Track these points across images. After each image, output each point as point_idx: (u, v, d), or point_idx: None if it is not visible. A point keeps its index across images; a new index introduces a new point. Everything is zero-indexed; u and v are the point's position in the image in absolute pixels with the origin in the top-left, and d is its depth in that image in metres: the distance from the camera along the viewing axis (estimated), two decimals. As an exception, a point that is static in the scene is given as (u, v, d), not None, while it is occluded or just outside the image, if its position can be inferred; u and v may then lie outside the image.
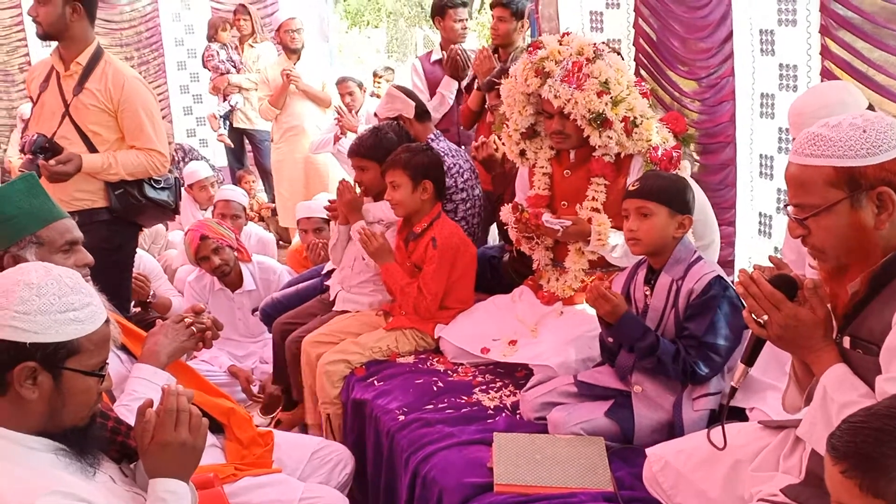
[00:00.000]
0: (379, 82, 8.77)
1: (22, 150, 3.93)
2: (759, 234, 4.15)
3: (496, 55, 4.94)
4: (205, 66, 8.39)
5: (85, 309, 1.80)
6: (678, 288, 2.77)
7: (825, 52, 3.61)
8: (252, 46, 8.20)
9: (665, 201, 2.76)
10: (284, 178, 7.11)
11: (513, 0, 4.94)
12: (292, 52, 6.97)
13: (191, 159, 7.97)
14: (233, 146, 8.37)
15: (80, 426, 1.85)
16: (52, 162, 3.81)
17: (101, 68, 4.01)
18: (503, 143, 3.81)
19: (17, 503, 1.65)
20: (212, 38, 8.32)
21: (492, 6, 5.12)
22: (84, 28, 3.99)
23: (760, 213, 4.13)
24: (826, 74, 3.60)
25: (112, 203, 4.04)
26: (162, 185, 4.17)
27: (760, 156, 4.07)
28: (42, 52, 8.75)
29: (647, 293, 2.85)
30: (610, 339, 2.88)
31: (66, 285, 1.79)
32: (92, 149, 3.98)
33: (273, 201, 7.77)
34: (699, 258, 2.81)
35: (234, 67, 8.19)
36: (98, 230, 3.87)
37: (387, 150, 3.94)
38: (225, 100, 8.15)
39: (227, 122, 8.24)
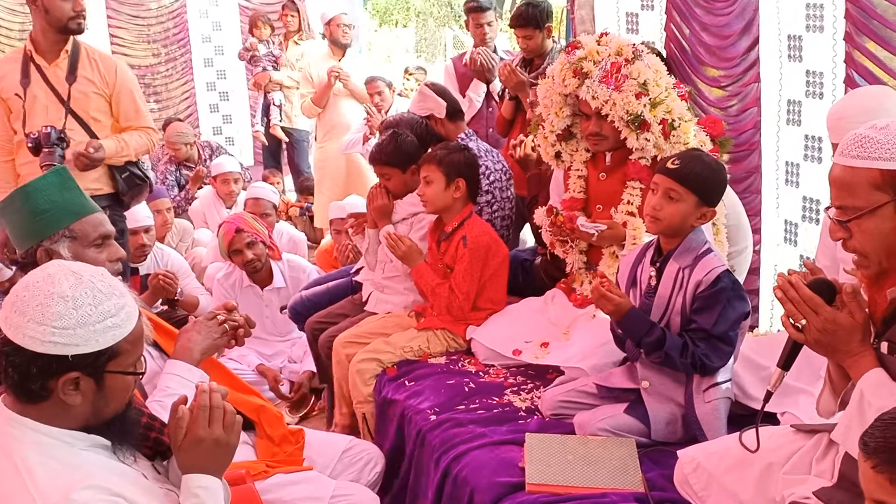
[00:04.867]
0: (408, 79, 8.73)
1: (35, 147, 3.90)
2: (784, 241, 4.11)
3: (529, 67, 4.94)
4: (240, 59, 8.35)
5: (121, 312, 1.79)
6: (685, 276, 2.74)
7: (849, 60, 3.56)
8: (297, 44, 8.03)
9: (698, 190, 2.70)
10: (327, 177, 7.01)
11: (532, 16, 4.91)
12: (339, 48, 6.88)
13: (218, 156, 7.99)
14: (268, 143, 8.30)
15: (118, 414, 1.87)
16: (90, 150, 3.84)
17: (84, 55, 4.04)
18: (539, 145, 3.79)
19: (54, 497, 1.67)
20: (251, 32, 8.28)
21: (512, 27, 5.10)
22: None
23: (786, 221, 4.08)
24: (850, 83, 3.55)
25: (120, 187, 4.09)
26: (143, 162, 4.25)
27: (787, 163, 4.02)
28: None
29: (653, 274, 2.83)
30: (619, 331, 2.88)
31: (99, 291, 1.77)
32: (93, 136, 4.01)
33: (300, 201, 7.77)
34: (709, 250, 2.77)
35: (275, 63, 8.09)
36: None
37: (407, 155, 3.96)
38: (266, 96, 8.09)
39: (265, 120, 8.15)
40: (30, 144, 3.95)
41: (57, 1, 3.93)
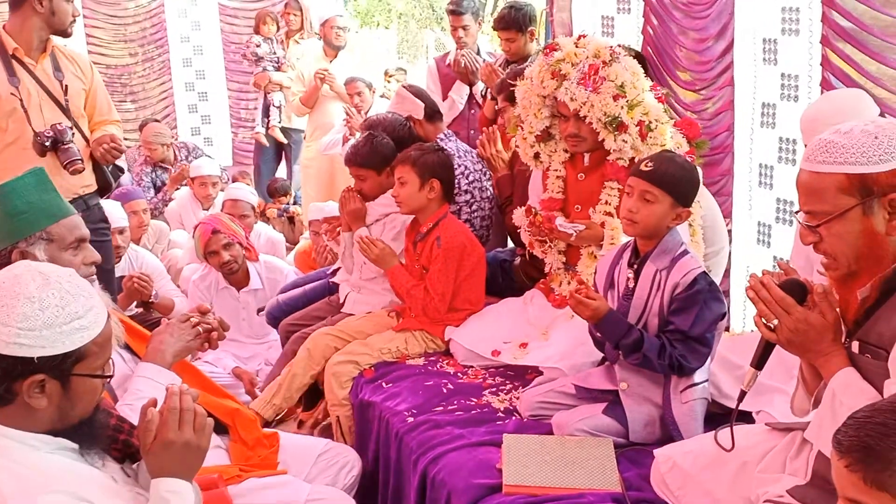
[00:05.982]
0: (389, 80, 8.68)
1: (53, 144, 3.79)
2: (758, 243, 4.11)
3: (512, 66, 4.94)
4: (244, 57, 8.25)
5: (89, 314, 1.77)
6: (662, 279, 2.74)
7: (825, 63, 3.57)
8: (298, 43, 7.89)
9: (672, 191, 2.71)
10: (312, 176, 6.96)
11: (514, 19, 4.92)
12: (333, 50, 6.86)
13: (194, 158, 7.86)
14: (268, 144, 8.11)
15: (86, 418, 1.83)
16: (118, 142, 3.86)
17: (59, 53, 4.01)
18: (517, 146, 3.79)
19: (19, 502, 1.64)
20: (256, 30, 8.13)
21: (495, 29, 5.12)
22: None
23: (759, 223, 4.09)
24: (825, 85, 3.56)
25: (108, 180, 4.08)
26: None
27: (760, 165, 4.03)
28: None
29: (630, 277, 2.83)
30: (598, 334, 2.87)
31: (67, 292, 1.74)
32: (82, 133, 3.97)
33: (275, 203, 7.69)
34: (686, 252, 2.78)
35: (277, 63, 7.94)
36: (96, 213, 3.93)
37: (383, 157, 3.94)
38: (266, 97, 7.93)
39: (265, 121, 7.98)
40: (46, 143, 3.81)
41: (64, 4, 3.92)
